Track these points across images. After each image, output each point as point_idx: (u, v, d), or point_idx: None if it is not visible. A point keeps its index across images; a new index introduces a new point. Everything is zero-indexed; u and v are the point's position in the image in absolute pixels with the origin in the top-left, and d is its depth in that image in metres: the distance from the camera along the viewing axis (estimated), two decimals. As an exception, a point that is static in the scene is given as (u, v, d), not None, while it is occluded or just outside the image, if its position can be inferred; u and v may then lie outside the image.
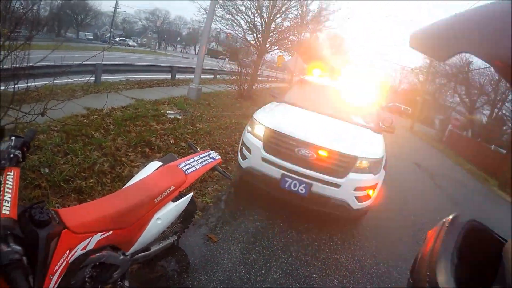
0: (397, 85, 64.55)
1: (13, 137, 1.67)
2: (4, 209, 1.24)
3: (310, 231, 4.15)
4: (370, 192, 4.15)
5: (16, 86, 3.49)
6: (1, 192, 1.31)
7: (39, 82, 4.03)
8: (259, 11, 12.82)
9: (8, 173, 1.42)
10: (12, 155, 1.57)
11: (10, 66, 3.39)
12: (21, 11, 3.90)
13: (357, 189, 4.00)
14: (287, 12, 13.39)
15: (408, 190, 7.60)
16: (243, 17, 12.85)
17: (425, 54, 0.89)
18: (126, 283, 2.22)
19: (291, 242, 3.83)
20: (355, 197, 4.02)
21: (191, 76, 12.28)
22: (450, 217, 1.69)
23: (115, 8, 61.84)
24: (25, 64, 3.45)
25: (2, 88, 3.47)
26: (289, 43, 14.41)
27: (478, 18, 0.72)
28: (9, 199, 1.29)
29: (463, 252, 1.39)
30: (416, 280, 1.47)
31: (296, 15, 14.34)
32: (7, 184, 1.36)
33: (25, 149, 1.68)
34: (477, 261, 1.52)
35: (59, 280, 1.53)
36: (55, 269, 1.49)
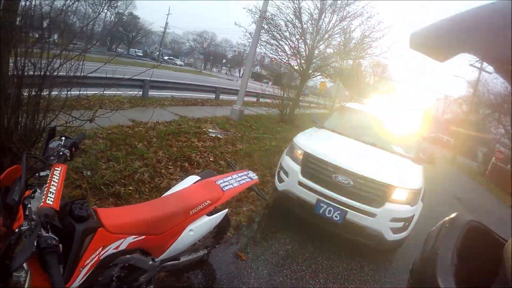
0: (440, 115, 62.40)
1: (63, 137, 1.80)
2: (48, 200, 1.33)
3: (341, 259, 4.07)
4: (406, 224, 4.01)
5: (68, 92, 3.73)
6: (48, 185, 1.41)
7: (90, 92, 4.29)
8: (303, 37, 12.98)
9: (56, 168, 1.52)
10: (61, 153, 1.70)
11: (64, 74, 3.64)
12: (78, 25, 4.23)
13: (393, 220, 3.89)
14: (330, 38, 13.48)
15: None
16: (287, 42, 13.05)
17: (425, 55, 0.87)
18: None
19: (320, 268, 3.77)
20: (390, 228, 3.90)
21: (235, 97, 12.55)
22: (450, 217, 1.64)
23: (165, 28, 64.98)
24: (78, 74, 3.70)
25: (56, 93, 3.71)
26: (331, 69, 14.44)
27: (478, 18, 0.71)
28: (54, 191, 1.38)
29: (463, 252, 1.37)
30: (416, 280, 1.46)
31: (339, 41, 14.38)
32: (54, 178, 1.45)
33: (73, 149, 1.80)
34: (477, 261, 1.50)
35: (88, 273, 1.61)
36: (86, 262, 1.58)
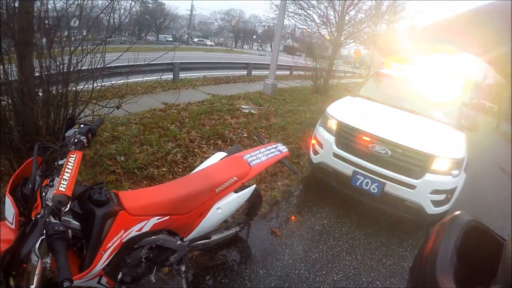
0: (482, 80, 58.88)
1: (81, 125, 1.80)
2: (61, 187, 1.34)
3: (379, 235, 3.90)
4: (448, 196, 3.74)
5: (95, 84, 3.78)
6: (62, 172, 1.41)
7: (120, 81, 4.32)
8: (331, 4, 12.47)
9: (71, 155, 1.52)
10: (77, 140, 1.68)
11: (89, 67, 3.70)
12: (104, 19, 4.25)
13: (433, 192, 3.64)
14: (360, 3, 12.85)
15: (490, 197, 6.76)
16: (315, 11, 12.59)
17: (425, 54, 0.83)
18: (183, 268, 2.27)
19: (357, 244, 3.64)
20: (431, 200, 3.66)
21: (267, 72, 12.37)
22: (450, 216, 1.58)
23: (191, 10, 65.04)
24: (104, 65, 3.74)
25: (82, 86, 3.78)
26: (364, 36, 13.85)
27: (478, 18, 0.71)
28: (67, 178, 1.38)
29: (463, 252, 1.38)
30: (416, 279, 1.46)
31: (370, 6, 13.69)
32: (68, 165, 1.46)
33: (90, 135, 1.79)
34: (477, 261, 1.50)
35: (111, 256, 1.61)
36: (107, 246, 1.58)
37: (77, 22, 3.94)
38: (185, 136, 5.38)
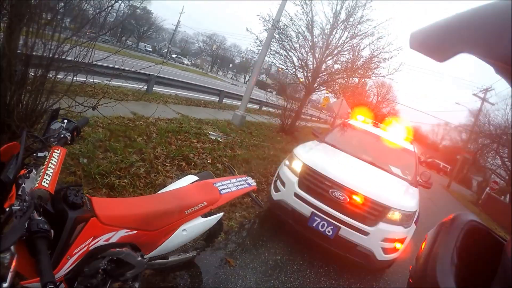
0: (439, 141, 62.67)
1: (65, 120, 1.77)
2: (44, 182, 1.30)
3: (329, 275, 4.04)
4: (398, 245, 4.00)
5: (74, 78, 3.72)
6: (45, 167, 1.38)
7: (96, 80, 4.28)
8: (312, 51, 13.03)
9: (55, 150, 1.50)
10: (62, 136, 1.68)
11: (73, 58, 3.63)
12: (92, 12, 4.25)
13: (385, 240, 3.87)
14: (339, 55, 13.52)
15: None
16: (296, 54, 13.09)
17: (425, 55, 0.87)
18: (137, 285, 2.22)
19: (308, 282, 3.74)
20: (382, 248, 3.89)
21: (238, 102, 12.59)
22: (450, 217, 1.64)
23: (176, 26, 65.15)
24: (86, 60, 3.69)
25: (61, 77, 3.70)
26: (337, 85, 14.46)
27: (478, 18, 0.71)
28: (51, 174, 1.35)
29: (463, 252, 1.37)
30: (416, 280, 1.45)
31: (347, 58, 14.44)
32: (52, 160, 1.42)
33: (75, 133, 1.78)
34: (477, 261, 1.49)
35: (75, 263, 1.57)
36: (74, 251, 1.54)
37: (71, 12, 3.91)
38: (151, 151, 5.33)
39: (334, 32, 13.03)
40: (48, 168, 1.37)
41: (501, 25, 0.63)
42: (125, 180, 4.14)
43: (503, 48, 0.61)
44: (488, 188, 24.57)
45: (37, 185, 1.29)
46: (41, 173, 1.35)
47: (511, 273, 1.17)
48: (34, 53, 3.33)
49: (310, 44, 12.96)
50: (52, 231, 1.30)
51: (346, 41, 13.18)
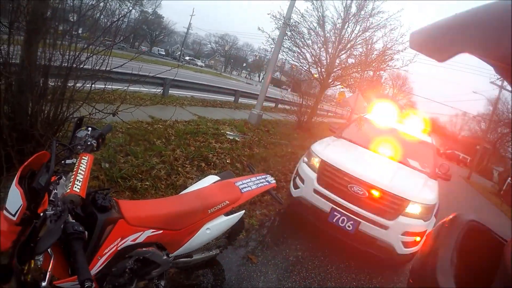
0: (457, 132, 61.41)
1: (90, 128, 1.86)
2: (75, 187, 1.38)
3: (350, 270, 4.06)
4: (418, 238, 3.98)
5: (93, 85, 3.84)
6: (75, 173, 1.46)
7: (114, 86, 4.39)
8: (325, 46, 12.99)
9: (83, 157, 1.58)
10: (88, 143, 1.76)
11: (90, 67, 3.75)
12: (105, 21, 4.37)
13: (405, 233, 3.87)
14: (352, 49, 13.43)
15: None
16: (309, 50, 13.06)
17: (425, 55, 0.87)
18: (162, 283, 2.30)
19: (329, 277, 3.77)
20: (402, 241, 3.89)
21: (253, 101, 12.63)
22: (450, 217, 1.63)
23: (188, 29, 65.61)
24: (104, 68, 3.80)
25: (80, 85, 3.83)
26: (351, 79, 14.36)
27: (478, 18, 0.71)
28: (81, 180, 1.43)
29: (463, 252, 1.36)
30: (416, 280, 1.45)
31: (361, 52, 14.32)
32: (81, 166, 1.50)
33: (100, 140, 1.86)
34: (477, 261, 1.48)
35: (105, 263, 1.66)
36: (104, 252, 1.63)
37: (86, 22, 4.04)
38: (170, 154, 5.44)
39: (346, 26, 12.98)
40: (78, 174, 1.45)
41: (501, 25, 0.63)
42: (147, 183, 4.25)
43: (503, 48, 0.62)
44: (509, 178, 23.92)
45: (68, 190, 1.37)
46: (72, 179, 1.42)
47: (511, 273, 1.17)
48: (52, 63, 3.46)
49: (323, 39, 12.94)
50: (86, 232, 1.39)
51: (358, 34, 13.11)
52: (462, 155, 44.86)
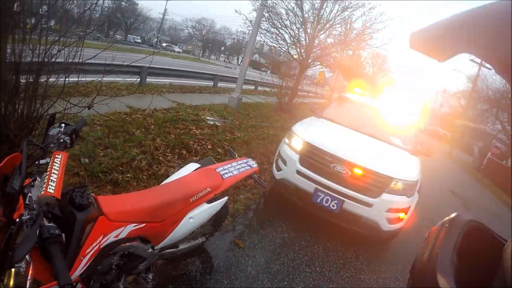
0: (438, 108, 62.71)
1: (63, 124, 1.78)
2: (50, 188, 1.30)
3: (337, 248, 4.11)
4: (402, 214, 4.05)
5: (66, 79, 3.70)
6: (48, 173, 1.38)
7: (88, 78, 4.25)
8: (303, 26, 12.91)
9: (57, 156, 1.50)
10: (61, 140, 1.68)
11: (62, 60, 3.60)
12: (76, 11, 4.19)
13: (389, 210, 3.92)
14: (331, 28, 13.39)
15: (440, 216, 7.25)
16: (287, 31, 12.96)
17: (426, 55, 0.87)
18: (150, 276, 2.26)
19: (316, 257, 3.80)
20: (386, 218, 3.94)
21: (233, 85, 12.52)
22: (450, 217, 1.65)
23: (164, 15, 64.31)
24: (76, 60, 3.66)
25: (53, 80, 3.68)
26: (331, 59, 14.36)
27: (478, 18, 0.71)
28: (55, 180, 1.35)
29: (463, 252, 1.37)
30: (416, 280, 1.47)
31: (340, 32, 14.31)
32: (55, 166, 1.43)
33: (74, 136, 1.78)
34: (477, 261, 1.49)
35: (89, 262, 1.61)
36: (86, 251, 1.57)
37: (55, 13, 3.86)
38: (150, 143, 5.34)
39: (324, 6, 12.92)
40: (52, 174, 1.38)
41: (501, 25, 0.63)
42: (128, 175, 4.17)
43: (503, 48, 0.61)
44: (489, 153, 24.59)
45: (43, 192, 1.29)
46: (46, 180, 1.35)
47: (511, 273, 1.18)
48: (23, 59, 3.30)
49: (301, 20, 12.84)
50: (63, 235, 1.32)
51: (337, 14, 13.09)
52: (443, 132, 45.84)
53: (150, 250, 2.09)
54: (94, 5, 4.30)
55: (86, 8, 4.20)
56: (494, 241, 1.60)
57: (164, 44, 65.11)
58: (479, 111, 37.44)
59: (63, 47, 3.51)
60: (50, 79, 3.63)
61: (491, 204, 12.98)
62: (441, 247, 1.37)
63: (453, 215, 1.67)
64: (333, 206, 3.94)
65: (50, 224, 1.29)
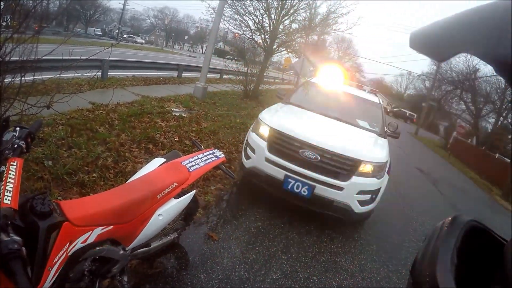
0: (403, 91, 64.85)
1: (17, 128, 1.66)
2: (6, 199, 1.23)
3: (311, 233, 4.14)
4: (373, 196, 4.13)
5: (23, 78, 3.50)
6: (3, 182, 1.30)
7: (46, 76, 4.04)
8: (267, 12, 12.82)
9: (12, 163, 1.41)
10: (16, 146, 1.55)
11: (17, 58, 3.40)
12: (30, 4, 3.94)
13: (360, 192, 3.98)
14: (295, 14, 13.37)
15: (410, 195, 7.57)
16: (251, 17, 12.84)
17: (425, 55, 0.87)
18: (125, 278, 2.19)
19: (291, 243, 3.82)
20: (358, 200, 4.00)
21: (198, 74, 12.30)
22: (450, 217, 1.69)
23: (124, 5, 62.04)
24: (32, 57, 3.46)
25: (9, 80, 3.47)
26: (296, 45, 14.38)
27: (478, 18, 0.71)
28: (11, 189, 1.28)
29: (463, 252, 1.37)
30: (416, 280, 1.49)
31: (304, 17, 14.32)
32: (10, 174, 1.35)
33: (29, 140, 1.66)
34: (477, 261, 1.51)
35: (58, 272, 1.52)
36: (54, 261, 1.48)
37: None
38: (115, 140, 5.17)
39: (288, -9, 12.81)
40: (8, 184, 1.30)
41: (501, 25, 0.62)
42: (95, 175, 4.01)
43: (503, 48, 0.61)
44: (455, 132, 25.65)
45: None
46: (1, 190, 1.27)
47: (511, 274, 1.18)
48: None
49: (265, 5, 12.72)
50: (23, 248, 1.23)
51: (301, -1, 13.01)
52: (409, 112, 47.45)
53: (122, 251, 2.02)
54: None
55: (40, 0, 3.95)
56: (494, 241, 1.63)
57: (125, 36, 63.17)
58: (443, 92, 38.96)
59: (17, 44, 3.30)
60: (5, 80, 3.42)
61: (459, 181, 13.59)
62: (441, 247, 1.37)
63: (452, 215, 1.71)
64: (305, 191, 3.96)
65: (7, 239, 1.19)
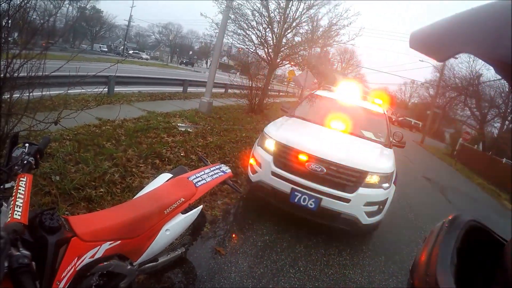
0: (407, 99, 64.76)
1: (26, 144, 1.69)
2: (16, 214, 1.25)
3: (319, 246, 4.12)
4: (381, 207, 4.11)
5: (31, 94, 3.56)
6: (13, 198, 1.32)
7: (53, 92, 4.11)
8: (270, 26, 12.94)
9: (21, 179, 1.43)
10: (25, 162, 1.59)
11: (25, 74, 3.46)
12: (38, 21, 4.03)
13: (367, 204, 3.97)
14: (298, 27, 13.49)
15: (419, 205, 7.50)
16: (254, 32, 12.96)
17: (425, 55, 0.88)
18: None
19: (299, 256, 3.80)
20: (365, 212, 3.99)
21: (203, 89, 12.40)
22: (450, 217, 1.68)
23: (129, 21, 63.16)
24: (40, 73, 3.52)
25: (17, 96, 3.53)
26: (299, 57, 14.46)
27: (478, 18, 0.72)
28: (21, 205, 1.30)
29: (463, 252, 1.38)
30: (415, 280, 1.48)
31: (306, 30, 14.43)
32: (20, 189, 1.36)
33: (38, 156, 1.70)
34: (477, 261, 1.52)
35: (66, 286, 1.54)
36: (62, 275, 1.51)
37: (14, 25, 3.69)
38: (122, 155, 5.21)
39: (290, 5, 12.94)
40: (17, 199, 1.31)
41: (501, 25, 0.63)
42: (102, 190, 4.03)
43: (503, 48, 0.62)
44: (460, 139, 25.49)
45: (9, 219, 1.23)
46: (11, 206, 1.29)
47: (511, 274, 1.20)
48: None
49: (267, 20, 12.84)
50: (33, 263, 1.27)
51: (303, 12, 13.14)
52: (414, 121, 47.38)
53: (129, 266, 2.04)
54: (55, 14, 4.15)
55: (47, 18, 4.04)
56: (494, 241, 1.62)
57: (131, 52, 63.94)
58: (448, 99, 38.84)
59: (25, 61, 3.37)
60: (14, 95, 3.48)
61: (467, 188, 13.47)
62: (441, 247, 1.38)
63: (453, 215, 1.70)
64: (311, 204, 3.96)
65: (18, 253, 1.22)
